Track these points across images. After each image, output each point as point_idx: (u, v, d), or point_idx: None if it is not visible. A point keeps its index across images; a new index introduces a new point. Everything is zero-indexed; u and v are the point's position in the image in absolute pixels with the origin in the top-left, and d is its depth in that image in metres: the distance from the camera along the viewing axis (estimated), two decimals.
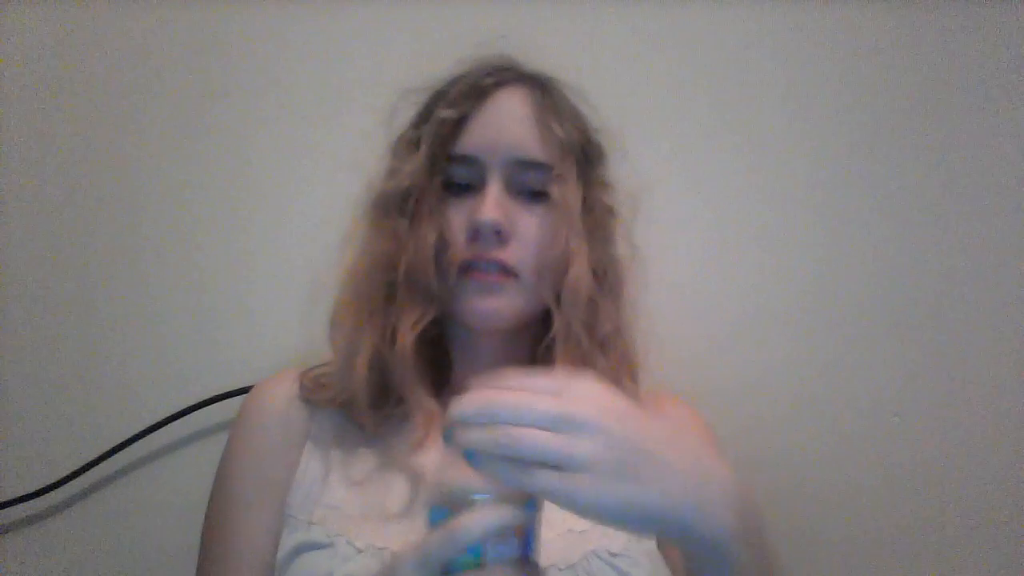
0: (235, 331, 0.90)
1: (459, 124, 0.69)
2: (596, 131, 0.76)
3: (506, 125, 0.69)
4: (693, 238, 0.90)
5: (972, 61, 0.87)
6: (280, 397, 0.71)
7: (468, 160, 0.69)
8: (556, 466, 0.43)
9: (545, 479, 0.43)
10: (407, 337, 0.67)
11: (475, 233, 0.67)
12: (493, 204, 0.66)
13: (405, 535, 0.60)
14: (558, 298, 0.69)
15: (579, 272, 0.68)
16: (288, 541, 0.63)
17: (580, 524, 0.62)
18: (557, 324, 0.68)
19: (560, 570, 0.59)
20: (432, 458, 0.64)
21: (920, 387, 0.85)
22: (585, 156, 0.72)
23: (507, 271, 0.67)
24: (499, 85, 0.70)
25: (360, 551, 0.61)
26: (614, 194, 0.76)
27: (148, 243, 0.91)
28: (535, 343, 0.72)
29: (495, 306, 0.67)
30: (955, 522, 0.84)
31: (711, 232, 0.90)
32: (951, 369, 0.85)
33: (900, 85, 0.88)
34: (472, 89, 0.70)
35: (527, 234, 0.68)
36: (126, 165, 0.92)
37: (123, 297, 0.91)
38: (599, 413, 0.44)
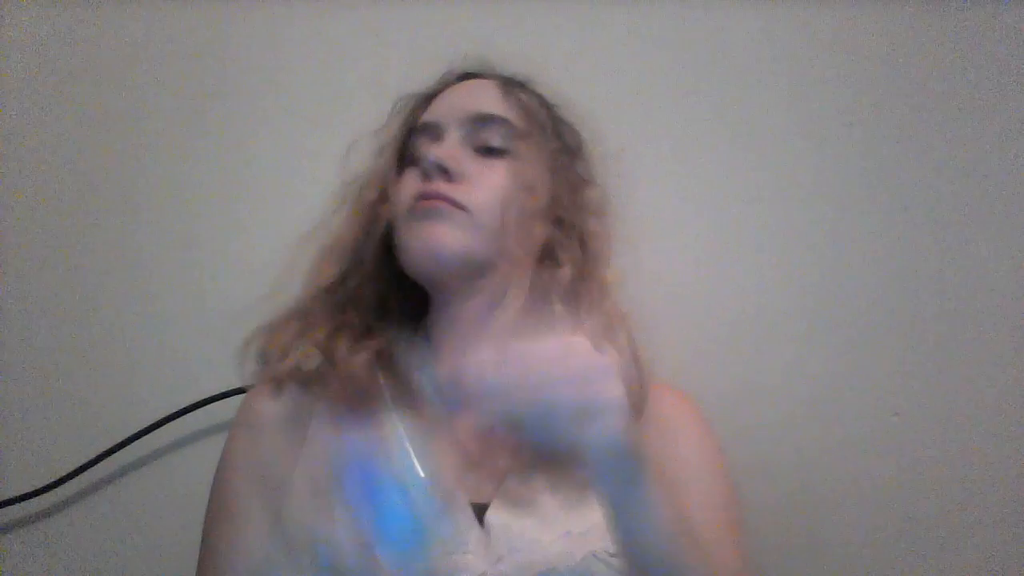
0: (235, 330, 0.89)
1: (427, 103, 0.74)
2: (573, 123, 0.76)
3: (468, 92, 0.72)
4: (693, 238, 0.90)
5: (972, 61, 0.87)
6: (276, 400, 0.70)
7: (429, 127, 0.71)
8: (584, 413, 0.48)
9: (580, 430, 0.48)
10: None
11: (423, 175, 0.68)
12: (439, 148, 0.68)
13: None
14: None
15: (534, 218, 0.67)
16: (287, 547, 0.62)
17: (579, 526, 0.62)
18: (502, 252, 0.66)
19: (561, 573, 0.59)
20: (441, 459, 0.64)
21: (920, 386, 0.85)
22: (559, 137, 0.73)
23: (455, 204, 0.66)
24: (471, 76, 0.74)
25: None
26: (596, 187, 0.76)
27: (148, 241, 0.92)
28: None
29: (439, 233, 0.66)
30: (955, 521, 0.84)
31: (711, 232, 0.90)
32: (951, 368, 0.85)
33: (901, 85, 0.88)
34: (445, 76, 0.75)
35: (481, 179, 0.67)
36: (126, 164, 0.92)
37: (123, 296, 0.91)
38: (608, 358, 0.50)
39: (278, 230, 0.90)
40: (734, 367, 0.88)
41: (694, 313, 0.89)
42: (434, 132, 0.71)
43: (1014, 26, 0.86)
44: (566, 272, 0.67)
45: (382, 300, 0.72)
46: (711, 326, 0.89)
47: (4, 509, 0.87)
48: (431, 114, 0.72)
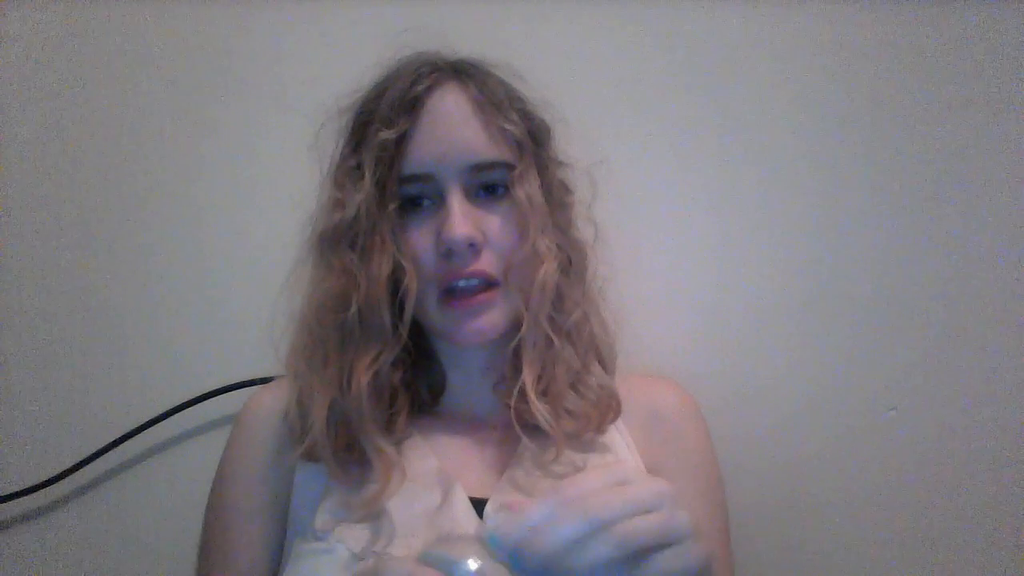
0: (239, 324, 0.90)
1: (401, 141, 0.66)
2: (537, 108, 0.74)
3: (451, 132, 0.66)
4: (690, 236, 0.90)
5: (972, 61, 0.87)
6: (274, 409, 0.71)
7: (421, 177, 0.67)
8: (660, 545, 0.44)
9: (664, 561, 0.44)
10: (362, 380, 0.64)
11: (448, 252, 0.65)
12: (461, 218, 0.65)
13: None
14: (527, 298, 0.68)
15: (548, 271, 0.67)
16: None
17: None
18: (526, 325, 0.68)
19: None
20: (395, 504, 0.63)
21: (916, 381, 0.86)
22: (534, 139, 0.71)
23: (489, 283, 0.67)
24: (431, 89, 0.67)
25: (359, 558, 0.60)
26: (567, 170, 0.76)
27: (151, 236, 0.91)
28: (510, 341, 0.70)
29: (486, 323, 0.67)
30: (952, 517, 0.84)
31: (707, 227, 0.90)
32: (947, 362, 0.85)
33: (900, 84, 0.88)
34: (404, 101, 0.67)
35: (496, 237, 0.67)
36: (128, 159, 0.92)
37: (121, 290, 0.90)
38: (664, 483, 0.47)
39: (282, 227, 0.91)
40: (730, 362, 0.88)
41: (691, 309, 0.89)
42: (430, 185, 0.67)
43: (1014, 26, 0.87)
44: (571, 304, 0.70)
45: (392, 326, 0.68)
46: (707, 323, 0.89)
47: (3, 504, 0.86)
48: (419, 162, 0.67)
